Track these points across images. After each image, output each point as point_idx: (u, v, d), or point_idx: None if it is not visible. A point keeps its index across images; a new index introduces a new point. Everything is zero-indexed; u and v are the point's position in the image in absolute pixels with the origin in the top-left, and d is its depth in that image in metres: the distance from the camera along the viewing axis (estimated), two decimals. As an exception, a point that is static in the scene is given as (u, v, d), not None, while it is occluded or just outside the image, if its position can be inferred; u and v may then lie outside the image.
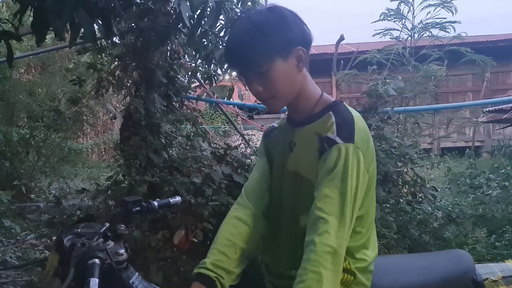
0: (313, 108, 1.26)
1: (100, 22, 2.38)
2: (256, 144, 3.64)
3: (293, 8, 1.24)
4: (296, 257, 1.21)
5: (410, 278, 1.51)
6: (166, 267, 2.97)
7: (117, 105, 8.75)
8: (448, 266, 1.54)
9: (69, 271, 1.33)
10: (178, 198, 1.87)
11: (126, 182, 2.96)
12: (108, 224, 1.50)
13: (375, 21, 4.71)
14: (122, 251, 1.40)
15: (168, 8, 2.79)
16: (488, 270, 1.59)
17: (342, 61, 9.65)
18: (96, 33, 2.56)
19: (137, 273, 1.50)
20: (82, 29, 2.20)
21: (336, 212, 1.10)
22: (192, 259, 3.08)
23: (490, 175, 5.61)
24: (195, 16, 2.49)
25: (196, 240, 2.84)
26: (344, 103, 1.27)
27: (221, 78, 4.12)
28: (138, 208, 1.65)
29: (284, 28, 1.16)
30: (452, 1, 4.32)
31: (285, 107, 1.30)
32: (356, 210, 1.15)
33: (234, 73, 3.79)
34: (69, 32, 2.25)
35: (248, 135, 3.90)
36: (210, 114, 14.38)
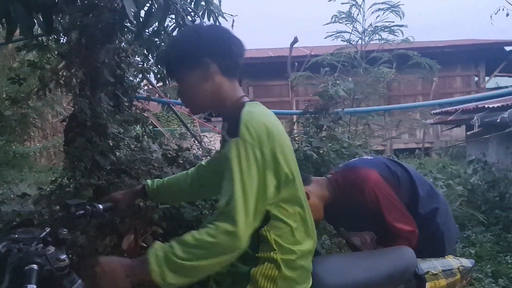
0: (230, 112, 1.35)
1: (41, 18, 2.26)
2: (208, 145, 3.60)
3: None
4: None
5: (357, 275, 1.55)
6: (115, 274, 2.87)
7: (67, 107, 8.40)
8: (392, 262, 1.60)
9: (4, 278, 1.25)
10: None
11: (71, 186, 2.83)
12: (49, 229, 1.42)
13: (327, 24, 4.80)
14: (63, 256, 1.32)
15: (115, 4, 2.69)
16: (430, 265, 1.67)
17: (296, 64, 9.78)
18: (37, 29, 2.44)
19: (80, 280, 1.42)
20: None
21: (232, 201, 1.16)
22: (142, 264, 2.98)
23: (437, 174, 5.87)
24: (143, 12, 2.42)
25: (145, 245, 2.76)
26: (252, 102, 1.35)
27: (175, 78, 4.02)
28: (82, 211, 1.58)
29: (191, 43, 1.33)
30: (400, 6, 4.49)
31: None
32: (259, 198, 1.19)
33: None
34: (5, 27, 2.11)
35: (200, 136, 3.85)
36: (166, 117, 14.13)
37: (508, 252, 3.95)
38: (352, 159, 2.06)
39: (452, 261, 1.71)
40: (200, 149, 3.43)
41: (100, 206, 1.69)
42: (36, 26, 2.29)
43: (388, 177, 1.79)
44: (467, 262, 1.73)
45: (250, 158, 1.18)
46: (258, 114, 1.27)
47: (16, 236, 1.41)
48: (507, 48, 14.29)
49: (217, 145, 4.18)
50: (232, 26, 3.87)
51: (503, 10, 5.68)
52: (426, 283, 1.61)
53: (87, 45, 2.58)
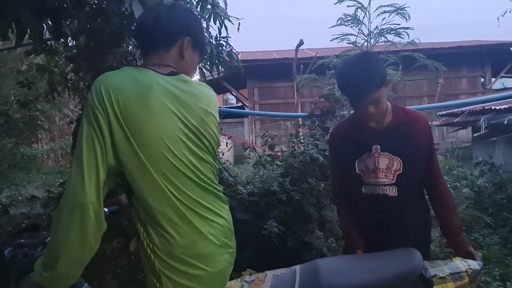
0: None
1: (50, 22, 2.29)
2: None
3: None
4: None
5: (363, 277, 1.55)
6: (123, 275, 2.88)
7: (75, 109, 8.45)
8: (399, 264, 1.59)
9: (10, 285, 1.26)
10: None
11: (80, 189, 2.85)
12: (54, 233, 1.43)
13: (332, 26, 4.78)
14: (69, 260, 1.33)
15: (123, 9, 2.72)
16: (437, 269, 1.65)
17: (302, 66, 9.78)
18: (46, 33, 2.47)
19: (86, 284, 1.43)
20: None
21: (74, 164, 1.20)
22: (149, 266, 3.00)
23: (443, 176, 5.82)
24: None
25: (153, 247, 2.77)
26: (149, 69, 1.37)
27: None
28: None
29: (167, 24, 1.44)
30: (405, 8, 4.47)
31: None
32: (98, 161, 1.19)
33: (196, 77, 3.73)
34: (15, 32, 2.14)
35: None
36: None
37: (515, 255, 3.92)
38: None
39: (460, 264, 1.68)
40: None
41: (106, 210, 1.70)
42: (45, 30, 2.32)
43: None
44: (475, 265, 1.69)
45: (85, 119, 1.21)
46: (111, 75, 1.28)
47: (22, 241, 1.42)
48: (514, 49, 14.23)
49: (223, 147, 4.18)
50: (238, 29, 3.89)
51: (510, 12, 5.65)
52: (434, 287, 1.60)
53: (95, 49, 2.60)
